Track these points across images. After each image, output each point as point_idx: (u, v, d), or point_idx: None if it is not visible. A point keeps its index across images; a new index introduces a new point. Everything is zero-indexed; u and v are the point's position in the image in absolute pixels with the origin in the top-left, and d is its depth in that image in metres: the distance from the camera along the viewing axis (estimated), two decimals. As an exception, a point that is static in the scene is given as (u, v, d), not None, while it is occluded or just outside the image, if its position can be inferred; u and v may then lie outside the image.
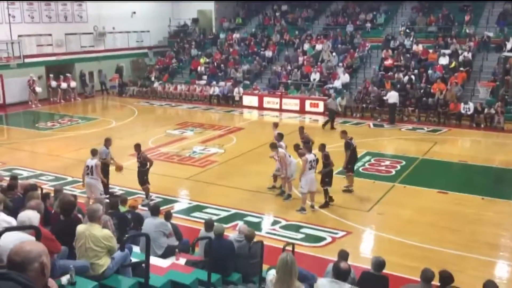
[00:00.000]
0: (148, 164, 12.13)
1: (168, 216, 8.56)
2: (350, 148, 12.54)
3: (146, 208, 10.05)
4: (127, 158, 15.92)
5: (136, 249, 7.25)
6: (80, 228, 5.75)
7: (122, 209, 8.82)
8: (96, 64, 29.43)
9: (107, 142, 12.51)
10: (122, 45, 31.42)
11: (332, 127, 19.98)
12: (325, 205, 11.75)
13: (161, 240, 7.74)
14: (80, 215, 7.06)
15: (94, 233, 5.63)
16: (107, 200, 8.93)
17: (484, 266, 9.13)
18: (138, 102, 26.87)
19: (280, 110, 24.16)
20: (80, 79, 28.84)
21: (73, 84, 27.33)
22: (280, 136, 12.95)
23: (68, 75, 27.31)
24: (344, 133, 12.99)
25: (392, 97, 20.96)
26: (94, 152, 11.41)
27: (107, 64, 29.86)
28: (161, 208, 8.85)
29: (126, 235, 6.81)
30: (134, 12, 31.18)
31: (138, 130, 20.39)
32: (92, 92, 28.99)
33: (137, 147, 12.28)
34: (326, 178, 11.80)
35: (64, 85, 26.73)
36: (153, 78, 29.13)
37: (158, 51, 33.48)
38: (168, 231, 7.91)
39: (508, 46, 23.13)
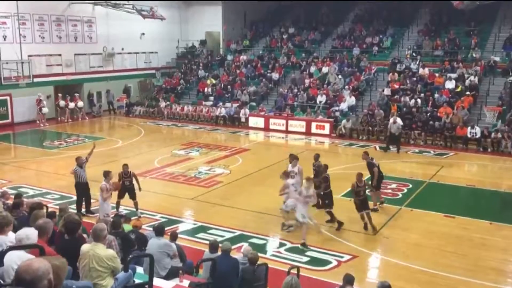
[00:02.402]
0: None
1: (174, 236, 8.52)
2: (375, 166, 12.77)
3: (150, 228, 10.01)
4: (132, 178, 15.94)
5: (139, 269, 7.18)
6: (84, 247, 5.72)
7: (127, 228, 8.79)
8: (104, 84, 29.74)
9: (78, 161, 12.66)
10: (130, 66, 31.79)
11: (398, 151, 19.84)
12: (340, 224, 11.63)
13: (165, 261, 7.68)
14: (85, 235, 7.04)
15: (98, 252, 5.60)
16: (111, 219, 8.90)
17: (491, 292, 8.99)
18: (145, 122, 27.03)
19: (286, 131, 24.20)
20: (88, 99, 29.12)
21: (80, 103, 27.58)
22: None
23: (76, 94, 27.60)
24: (366, 154, 13.22)
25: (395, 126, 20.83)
26: (105, 174, 11.61)
27: (115, 84, 30.17)
28: (166, 229, 8.82)
29: (130, 256, 6.77)
30: (143, 33, 31.61)
31: (144, 150, 20.47)
32: (99, 112, 29.21)
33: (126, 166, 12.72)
34: (326, 200, 11.80)
35: (71, 104, 26.98)
36: (160, 100, 29.31)
37: (166, 72, 33.82)
38: (172, 252, 7.86)
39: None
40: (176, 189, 14.95)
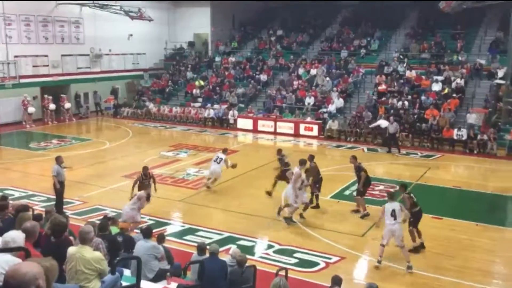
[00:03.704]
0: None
1: (161, 239, 8.47)
2: (362, 171, 12.74)
3: (138, 231, 9.94)
4: (119, 179, 15.88)
5: (127, 272, 7.14)
6: (71, 250, 5.66)
7: (114, 230, 8.72)
8: (91, 85, 29.51)
9: (58, 160, 12.53)
10: (118, 67, 31.58)
11: (399, 152, 20.10)
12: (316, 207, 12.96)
13: (152, 263, 7.64)
14: (71, 237, 6.97)
15: (85, 255, 5.54)
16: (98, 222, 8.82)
17: (478, 293, 9.08)
18: (132, 124, 26.88)
19: (275, 133, 24.24)
20: (75, 100, 28.87)
21: (67, 105, 27.33)
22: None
23: (63, 95, 27.35)
24: (354, 158, 13.19)
25: (384, 124, 21.09)
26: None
27: (103, 86, 29.95)
28: (153, 231, 8.76)
29: (117, 258, 6.71)
30: (131, 35, 31.42)
31: (132, 151, 20.34)
32: (86, 113, 28.99)
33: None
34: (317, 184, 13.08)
35: (52, 106, 26.54)
36: (147, 102, 29.17)
37: (154, 74, 33.67)
38: (160, 254, 7.81)
39: (500, 74, 23.44)
40: (164, 191, 14.83)
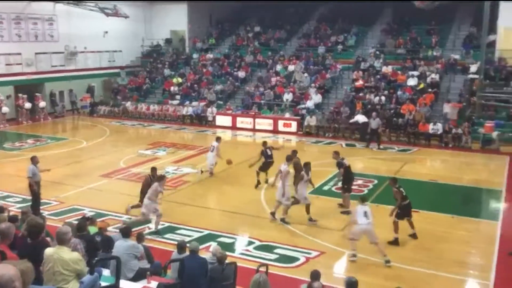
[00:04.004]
0: None
1: (140, 237, 8.41)
2: (343, 167, 12.77)
3: (117, 230, 9.86)
4: (97, 179, 15.71)
5: (106, 272, 7.06)
6: (48, 251, 5.58)
7: (93, 230, 8.63)
8: (66, 83, 29.04)
9: (34, 160, 12.36)
10: (93, 65, 31.12)
11: (379, 147, 20.34)
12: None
13: (132, 262, 7.58)
14: (48, 238, 6.87)
15: (63, 256, 5.47)
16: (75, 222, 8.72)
17: (454, 284, 9.28)
18: (109, 122, 26.57)
19: (254, 130, 24.26)
20: (50, 99, 28.39)
21: (42, 104, 26.86)
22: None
23: (38, 94, 26.87)
24: (336, 153, 13.28)
25: (362, 119, 21.39)
26: (160, 178, 11.77)
27: (78, 84, 29.50)
28: (132, 230, 8.70)
29: (96, 258, 6.65)
30: (106, 32, 31.00)
31: (109, 150, 20.12)
32: (62, 112, 28.53)
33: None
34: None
35: (28, 105, 26.03)
36: (121, 101, 28.86)
37: (131, 71, 33.31)
38: (140, 253, 7.76)
39: (473, 69, 23.91)
40: (142, 190, 14.74)
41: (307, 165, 12.15)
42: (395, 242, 10.76)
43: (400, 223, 10.88)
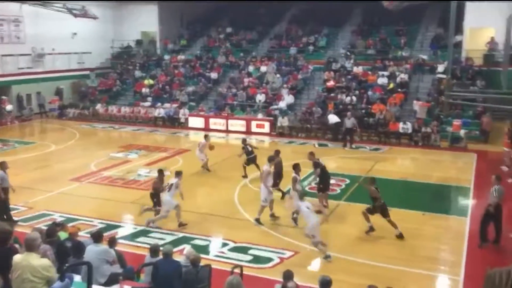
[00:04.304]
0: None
1: (112, 242, 8.27)
2: (319, 167, 12.85)
3: (88, 235, 9.68)
4: (67, 183, 15.42)
5: (77, 278, 6.93)
6: (16, 258, 5.45)
7: (63, 236, 8.45)
8: (34, 86, 28.36)
9: (3, 165, 12.10)
10: (62, 67, 30.47)
11: (351, 146, 20.66)
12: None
13: (104, 267, 7.45)
14: (17, 245, 6.70)
15: (32, 263, 5.35)
16: (45, 228, 8.53)
17: (426, 280, 9.46)
18: (79, 125, 26.09)
19: (227, 131, 24.21)
20: (17, 102, 27.69)
21: (9, 107, 26.19)
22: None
23: (4, 97, 26.19)
24: (311, 154, 13.38)
25: (333, 119, 21.62)
26: (177, 173, 12.11)
27: (46, 86, 28.88)
28: (104, 234, 8.55)
29: (66, 264, 6.52)
30: (75, 33, 30.44)
31: (79, 153, 19.75)
32: (30, 115, 27.87)
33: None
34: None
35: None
36: (91, 103, 28.43)
37: (101, 73, 32.79)
38: (112, 258, 7.63)
39: (440, 69, 24.46)
40: (114, 193, 14.56)
41: (297, 166, 12.20)
42: (371, 229, 11.16)
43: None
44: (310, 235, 10.09)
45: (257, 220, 11.99)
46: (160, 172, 12.56)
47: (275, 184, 13.36)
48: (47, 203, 13.46)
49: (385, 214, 11.19)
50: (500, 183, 11.02)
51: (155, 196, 12.14)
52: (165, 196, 11.75)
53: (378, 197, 11.16)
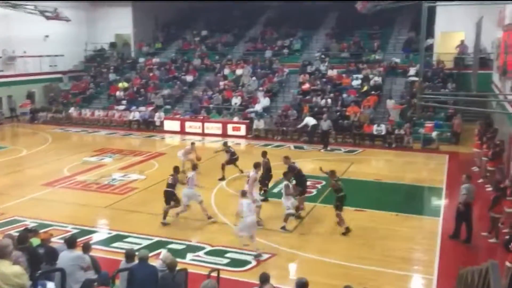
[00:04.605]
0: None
1: (86, 248, 8.14)
2: (295, 170, 12.93)
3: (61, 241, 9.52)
4: (39, 188, 15.14)
5: (50, 285, 6.81)
6: (-14, 266, 5.32)
7: (35, 242, 8.28)
8: (5, 89, 27.74)
9: None
10: (34, 70, 29.90)
11: (327, 148, 20.86)
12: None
13: (78, 274, 7.33)
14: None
15: (3, 270, 5.23)
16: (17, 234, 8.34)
17: (400, 280, 9.61)
18: (52, 129, 25.63)
19: (203, 134, 24.14)
20: (-13, 106, 27.10)
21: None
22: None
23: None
24: (287, 158, 13.46)
25: (311, 122, 21.85)
26: (194, 167, 12.94)
27: (18, 90, 28.28)
28: (78, 240, 8.42)
29: (39, 271, 6.40)
30: (47, 36, 29.91)
31: (52, 158, 19.40)
32: (0, 119, 27.23)
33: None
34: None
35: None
36: (63, 107, 27.98)
37: (74, 76, 32.29)
38: (86, 264, 7.52)
39: (412, 72, 24.93)
40: (88, 198, 14.35)
41: (288, 174, 12.35)
42: (347, 230, 11.41)
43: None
44: (241, 232, 10.34)
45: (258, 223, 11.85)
46: (176, 169, 12.79)
47: (264, 185, 13.71)
48: (19, 209, 13.19)
49: (339, 207, 11.63)
50: (470, 182, 11.30)
51: (172, 193, 12.32)
52: (185, 190, 12.31)
53: (339, 189, 11.71)
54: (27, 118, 28.01)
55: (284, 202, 11.98)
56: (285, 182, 12.08)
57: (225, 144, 17.12)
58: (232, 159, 16.31)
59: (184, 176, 13.01)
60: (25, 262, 6.63)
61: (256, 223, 10.65)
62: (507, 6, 18.16)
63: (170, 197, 12.31)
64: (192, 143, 17.50)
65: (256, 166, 12.76)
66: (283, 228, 11.77)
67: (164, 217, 12.18)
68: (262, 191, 13.68)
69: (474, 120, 20.40)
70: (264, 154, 14.42)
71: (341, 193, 11.70)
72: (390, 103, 23.19)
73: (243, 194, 10.85)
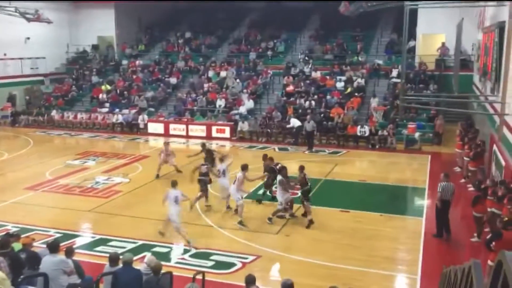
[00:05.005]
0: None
1: (69, 252, 8.04)
2: (275, 173, 13.09)
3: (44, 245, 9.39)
4: (21, 192, 14.92)
5: (33, 290, 6.72)
6: (-33, 272, 5.22)
7: (17, 247, 8.16)
8: (-15, 92, 27.34)
9: None
10: (14, 72, 29.49)
11: (311, 150, 21.05)
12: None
13: (61, 278, 7.24)
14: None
15: (-16, 276, 5.14)
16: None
17: (384, 280, 9.67)
18: (33, 132, 25.29)
19: (187, 136, 24.04)
20: (-34, 109, 26.62)
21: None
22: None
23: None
24: (271, 160, 13.80)
25: (297, 123, 21.96)
26: (221, 159, 13.54)
27: (-2, 92, 27.86)
28: (61, 244, 8.31)
29: (22, 276, 6.30)
30: (28, 38, 29.54)
31: (34, 161, 19.13)
32: (-20, 122, 26.82)
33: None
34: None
35: None
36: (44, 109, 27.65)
37: (56, 78, 31.92)
38: (69, 268, 7.43)
39: (395, 73, 25.19)
40: (71, 202, 14.18)
41: (284, 170, 12.64)
42: (311, 223, 12.06)
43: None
44: (173, 222, 10.96)
45: (240, 223, 12.18)
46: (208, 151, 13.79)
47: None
48: (0, 213, 12.97)
49: (305, 198, 12.26)
50: (448, 180, 11.43)
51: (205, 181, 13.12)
52: (221, 180, 13.06)
53: (305, 183, 12.32)
54: (7, 121, 27.59)
55: (278, 197, 12.40)
56: (280, 178, 12.29)
57: (203, 145, 16.63)
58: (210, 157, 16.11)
59: (216, 169, 13.64)
60: (7, 268, 6.53)
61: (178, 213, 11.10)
62: (487, 8, 18.46)
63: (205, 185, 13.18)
64: (166, 143, 17.63)
65: (243, 168, 12.73)
66: (269, 219, 12.26)
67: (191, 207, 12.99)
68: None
69: (456, 121, 20.67)
70: (264, 156, 14.65)
71: (306, 187, 12.32)
72: (374, 101, 23.40)
73: (173, 184, 11.39)
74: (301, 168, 12.68)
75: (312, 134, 21.31)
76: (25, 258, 7.53)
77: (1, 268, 6.10)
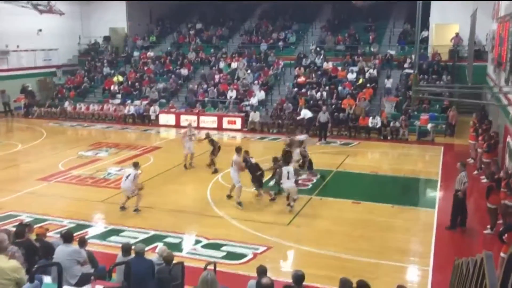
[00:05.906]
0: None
1: (82, 242, 8.13)
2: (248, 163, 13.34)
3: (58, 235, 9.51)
4: (34, 183, 15.08)
5: (47, 279, 6.81)
6: (-17, 261, 5.30)
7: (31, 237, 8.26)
8: (-1, 83, 27.59)
9: None
10: (28, 64, 29.72)
11: (325, 140, 21.12)
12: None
13: (74, 268, 7.33)
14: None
15: (1, 265, 5.22)
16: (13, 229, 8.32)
17: (396, 271, 9.64)
18: (47, 124, 25.51)
19: (198, 127, 24.04)
20: (-19, 100, 26.89)
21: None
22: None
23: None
24: (246, 153, 13.56)
25: (308, 115, 21.89)
26: (238, 150, 13.34)
27: (12, 84, 28.04)
28: (74, 234, 8.40)
29: (36, 265, 6.39)
30: (41, 30, 29.70)
31: (47, 153, 19.32)
32: (-6, 114, 27.11)
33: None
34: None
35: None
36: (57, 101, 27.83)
37: (68, 70, 32.11)
38: (82, 258, 7.51)
39: (407, 64, 24.92)
40: (84, 192, 14.32)
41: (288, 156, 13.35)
42: (273, 200, 13.17)
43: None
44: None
45: (239, 203, 12.77)
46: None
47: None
48: (15, 204, 13.14)
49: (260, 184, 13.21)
50: (465, 170, 11.38)
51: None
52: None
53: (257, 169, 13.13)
54: (21, 112, 27.86)
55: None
56: (290, 167, 12.70)
57: (207, 135, 16.95)
58: (216, 149, 16.44)
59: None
60: (21, 257, 6.62)
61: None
62: (502, -2, 18.16)
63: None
64: (189, 124, 18.15)
65: (238, 150, 13.22)
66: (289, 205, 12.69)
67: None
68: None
69: (469, 112, 20.47)
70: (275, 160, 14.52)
71: (259, 172, 13.13)
72: (388, 83, 23.22)
73: (135, 165, 12.56)
74: (275, 160, 13.41)
75: (326, 125, 21.19)
76: (39, 248, 7.63)
77: (16, 257, 6.17)
